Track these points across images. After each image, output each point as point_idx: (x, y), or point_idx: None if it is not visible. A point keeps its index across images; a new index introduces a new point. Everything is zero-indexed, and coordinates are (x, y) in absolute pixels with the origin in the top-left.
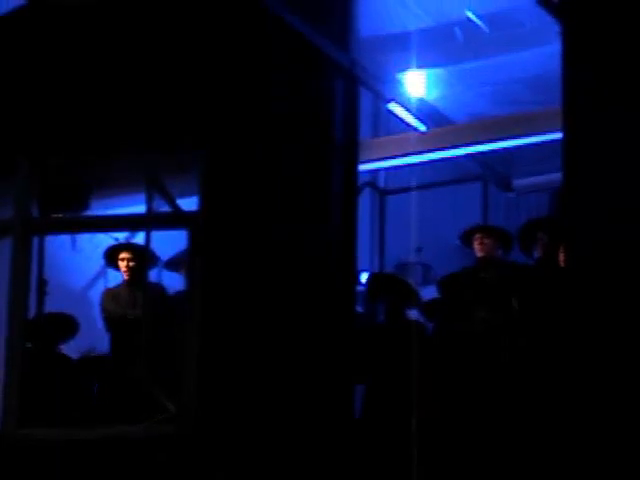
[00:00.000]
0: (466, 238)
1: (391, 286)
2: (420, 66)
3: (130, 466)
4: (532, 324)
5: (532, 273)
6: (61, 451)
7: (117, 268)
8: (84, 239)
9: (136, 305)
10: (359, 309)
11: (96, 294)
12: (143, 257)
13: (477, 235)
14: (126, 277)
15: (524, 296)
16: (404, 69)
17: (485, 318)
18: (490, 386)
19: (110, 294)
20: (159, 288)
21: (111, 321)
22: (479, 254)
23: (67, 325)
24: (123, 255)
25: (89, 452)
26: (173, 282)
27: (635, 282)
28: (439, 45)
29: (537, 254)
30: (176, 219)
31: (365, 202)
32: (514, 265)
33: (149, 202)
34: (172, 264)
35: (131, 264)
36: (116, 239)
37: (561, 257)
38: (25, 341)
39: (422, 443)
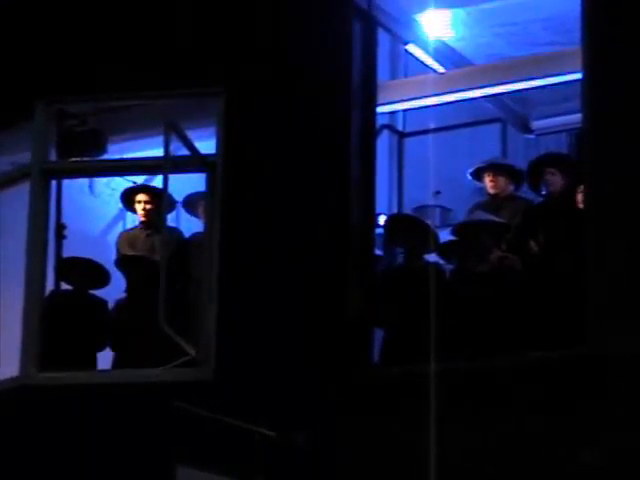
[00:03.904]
0: (477, 175)
1: (410, 228)
2: (438, 7)
3: (150, 410)
4: (551, 265)
5: (550, 214)
6: (81, 395)
7: (134, 211)
8: (102, 183)
9: (153, 249)
10: (378, 252)
11: (114, 239)
12: (160, 200)
13: (488, 172)
14: (142, 219)
15: (544, 237)
16: (422, 10)
17: (502, 256)
18: (507, 328)
19: (127, 238)
20: (176, 232)
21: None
22: (491, 191)
23: (99, 275)
24: (140, 197)
25: (109, 396)
26: (190, 225)
27: None
28: None
29: (545, 190)
30: (194, 162)
31: (383, 144)
32: (528, 203)
33: (167, 145)
34: (189, 204)
35: (148, 207)
36: (134, 183)
37: (579, 197)
38: (44, 285)
39: (439, 388)
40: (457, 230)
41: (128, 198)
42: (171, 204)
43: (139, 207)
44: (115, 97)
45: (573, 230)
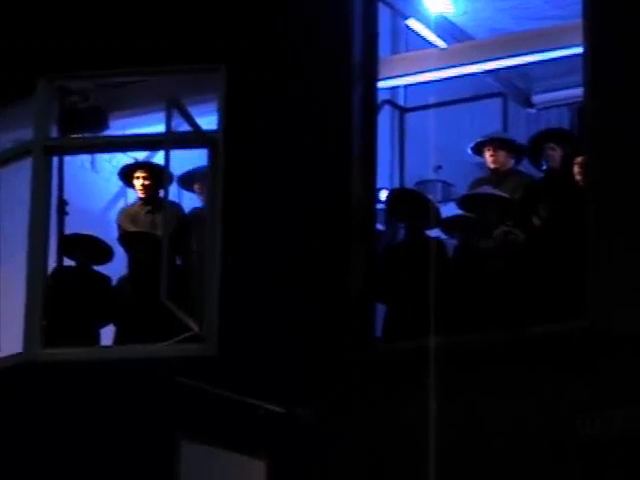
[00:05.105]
0: (478, 149)
1: (411, 203)
2: None
3: (153, 385)
4: (553, 240)
5: (551, 189)
6: (84, 371)
7: (133, 187)
8: (103, 160)
9: (155, 226)
10: (380, 227)
11: (115, 215)
12: (158, 175)
13: (489, 147)
14: (141, 195)
15: (545, 212)
16: None
17: (507, 231)
18: (511, 303)
19: (127, 215)
20: (176, 207)
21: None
22: (492, 166)
23: (102, 252)
24: (138, 174)
25: (112, 372)
26: (191, 202)
27: None
28: None
29: (546, 165)
30: (196, 138)
31: (384, 119)
32: (529, 178)
33: (168, 121)
34: (185, 181)
35: (146, 182)
36: (135, 159)
37: (576, 169)
38: (47, 262)
39: (440, 362)
40: (463, 203)
41: (126, 175)
42: (170, 178)
43: (137, 183)
44: (117, 73)
45: (574, 205)
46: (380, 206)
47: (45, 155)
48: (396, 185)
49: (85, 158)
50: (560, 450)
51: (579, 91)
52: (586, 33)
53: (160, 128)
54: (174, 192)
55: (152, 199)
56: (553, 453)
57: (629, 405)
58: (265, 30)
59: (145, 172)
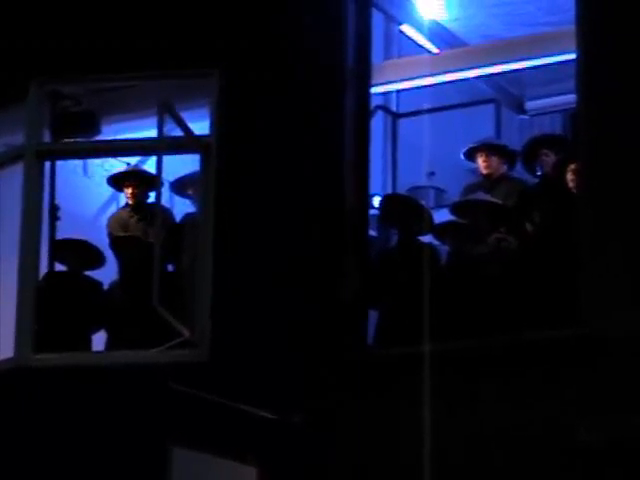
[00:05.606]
0: (470, 155)
1: (404, 209)
2: None
3: (144, 391)
4: (546, 246)
5: (545, 195)
6: (76, 376)
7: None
8: (95, 164)
9: (146, 233)
10: (372, 233)
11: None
12: (147, 182)
13: (481, 152)
14: (131, 202)
15: (539, 218)
16: None
17: (500, 237)
18: (505, 309)
19: (118, 220)
20: (167, 213)
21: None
22: (484, 171)
23: (94, 257)
24: (127, 182)
25: (104, 377)
26: (181, 206)
27: None
28: None
29: (540, 171)
30: (188, 143)
31: (377, 125)
32: (522, 183)
33: (160, 126)
34: (178, 187)
35: (136, 191)
36: (127, 164)
37: (569, 176)
38: (38, 266)
39: (434, 369)
40: (455, 209)
41: (116, 182)
42: (159, 184)
43: (127, 191)
44: (109, 78)
45: (568, 211)
46: (373, 212)
47: (37, 160)
48: (389, 191)
49: (77, 163)
50: (558, 456)
51: (572, 97)
52: (579, 39)
53: (153, 133)
54: (166, 197)
55: (141, 205)
56: (551, 459)
57: (628, 411)
58: (258, 35)
59: (134, 180)
